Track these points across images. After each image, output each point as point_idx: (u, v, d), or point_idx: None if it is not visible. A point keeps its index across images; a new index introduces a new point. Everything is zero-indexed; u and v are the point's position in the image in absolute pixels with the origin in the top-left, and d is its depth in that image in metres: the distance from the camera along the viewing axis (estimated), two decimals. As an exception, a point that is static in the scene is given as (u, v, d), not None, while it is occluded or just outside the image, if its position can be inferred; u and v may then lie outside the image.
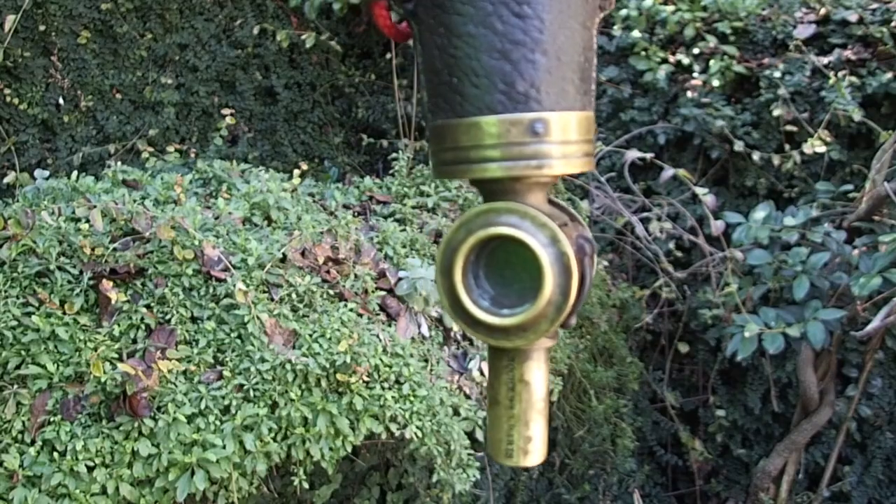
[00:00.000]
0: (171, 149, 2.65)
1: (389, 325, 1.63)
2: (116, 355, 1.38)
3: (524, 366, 0.38)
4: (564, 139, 0.35)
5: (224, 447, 1.33)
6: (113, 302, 1.43)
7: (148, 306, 1.46)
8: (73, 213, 1.57)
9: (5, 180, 2.16)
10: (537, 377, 0.39)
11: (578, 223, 0.40)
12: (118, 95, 2.81)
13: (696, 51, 2.58)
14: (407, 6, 0.36)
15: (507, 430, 0.38)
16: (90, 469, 1.29)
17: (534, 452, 0.40)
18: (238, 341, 1.45)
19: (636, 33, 2.63)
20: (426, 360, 1.64)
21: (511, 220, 0.35)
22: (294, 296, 1.54)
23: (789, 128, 2.43)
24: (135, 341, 1.42)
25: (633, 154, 2.29)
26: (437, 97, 0.36)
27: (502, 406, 0.38)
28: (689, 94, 2.54)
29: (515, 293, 0.36)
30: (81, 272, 1.46)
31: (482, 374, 1.75)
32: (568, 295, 0.35)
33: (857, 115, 2.27)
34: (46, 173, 1.87)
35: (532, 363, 0.38)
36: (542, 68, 0.34)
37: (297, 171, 2.06)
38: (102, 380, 1.32)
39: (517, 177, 0.36)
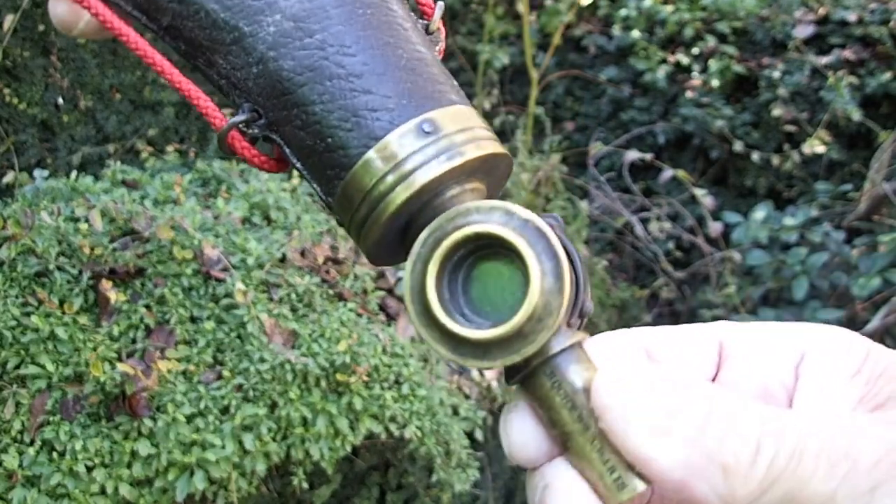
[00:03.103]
0: (170, 148, 2.65)
1: (389, 325, 1.63)
2: (116, 355, 1.38)
3: (569, 371, 0.31)
4: (459, 127, 0.33)
5: (223, 447, 1.32)
6: (112, 302, 1.43)
7: (147, 306, 1.46)
8: (73, 212, 1.57)
9: (4, 180, 2.15)
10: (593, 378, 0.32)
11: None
12: (117, 95, 2.81)
13: (695, 51, 2.58)
14: (260, 123, 0.35)
15: (601, 460, 0.30)
16: (89, 469, 1.29)
17: None
18: (237, 341, 1.45)
19: (636, 33, 2.63)
20: (425, 360, 1.64)
21: (473, 218, 0.31)
22: (293, 296, 1.54)
23: (789, 128, 2.43)
24: (134, 341, 1.42)
25: (632, 154, 2.29)
26: (323, 170, 0.34)
27: (577, 434, 0.30)
28: (688, 94, 2.54)
29: (507, 311, 0.31)
30: (81, 272, 1.46)
31: (482, 374, 1.75)
32: (561, 275, 0.30)
33: (857, 115, 2.27)
34: (46, 173, 1.87)
35: (574, 366, 0.31)
36: (400, 81, 0.33)
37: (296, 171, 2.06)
38: (102, 380, 1.32)
39: (438, 178, 0.33)
